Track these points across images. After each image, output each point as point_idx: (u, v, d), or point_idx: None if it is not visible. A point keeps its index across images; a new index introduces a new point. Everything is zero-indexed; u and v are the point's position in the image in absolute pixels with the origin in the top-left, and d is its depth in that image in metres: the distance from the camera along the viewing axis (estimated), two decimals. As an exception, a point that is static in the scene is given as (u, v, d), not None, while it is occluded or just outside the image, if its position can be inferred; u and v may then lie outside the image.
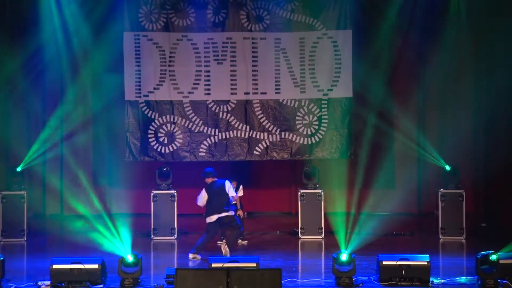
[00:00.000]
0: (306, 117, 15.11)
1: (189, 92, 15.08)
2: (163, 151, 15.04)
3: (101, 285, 10.25)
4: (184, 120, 15.06)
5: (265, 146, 15.11)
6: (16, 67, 15.25)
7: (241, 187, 14.01)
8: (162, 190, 14.27)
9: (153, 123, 15.06)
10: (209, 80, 15.07)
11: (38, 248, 13.62)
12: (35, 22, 15.27)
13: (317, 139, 15.13)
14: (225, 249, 12.37)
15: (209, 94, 15.09)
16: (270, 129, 15.10)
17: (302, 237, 14.23)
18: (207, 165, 14.55)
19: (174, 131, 15.08)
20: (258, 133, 15.12)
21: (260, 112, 15.11)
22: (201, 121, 15.07)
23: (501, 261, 10.30)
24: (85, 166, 16.21)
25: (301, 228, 14.30)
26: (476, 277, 10.46)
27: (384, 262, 10.48)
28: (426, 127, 16.02)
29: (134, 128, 15.05)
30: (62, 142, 15.49)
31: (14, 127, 15.47)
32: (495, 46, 15.24)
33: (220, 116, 15.10)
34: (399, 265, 10.42)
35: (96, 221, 14.28)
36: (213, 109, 15.09)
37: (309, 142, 15.13)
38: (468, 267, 11.56)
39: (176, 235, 14.15)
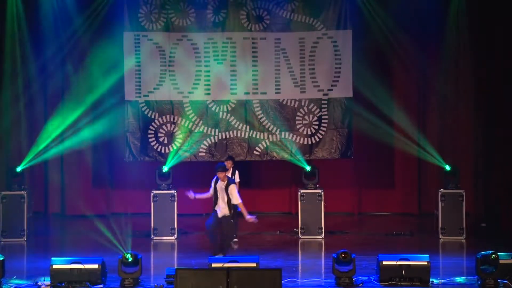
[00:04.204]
0: (306, 117, 15.11)
1: (189, 92, 15.08)
2: (163, 151, 15.04)
3: (101, 285, 10.25)
4: (184, 120, 15.06)
5: (265, 146, 15.12)
6: (17, 67, 15.27)
7: (237, 172, 13.96)
8: (162, 190, 14.25)
9: (153, 123, 15.07)
10: (209, 80, 15.07)
11: (38, 248, 13.61)
12: (36, 21, 15.29)
13: (317, 139, 15.13)
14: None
15: (209, 94, 15.10)
16: (270, 129, 15.10)
17: (302, 237, 14.22)
18: (207, 165, 14.58)
19: (174, 131, 15.08)
20: (258, 133, 15.12)
21: (260, 112, 15.11)
22: (201, 121, 15.07)
23: (501, 261, 10.30)
24: (85, 166, 16.25)
25: (301, 228, 14.29)
26: (476, 277, 10.46)
27: (384, 262, 10.47)
28: (426, 127, 16.03)
29: (134, 128, 15.06)
30: (63, 142, 15.47)
31: (14, 127, 15.48)
32: (495, 45, 15.25)
33: (220, 116, 15.10)
34: (399, 265, 10.42)
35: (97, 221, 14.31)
36: (213, 109, 15.10)
37: (309, 142, 15.13)
38: (468, 267, 11.56)
39: (176, 235, 14.14)
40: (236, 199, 12.16)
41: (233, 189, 12.18)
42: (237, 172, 13.91)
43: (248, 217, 12.17)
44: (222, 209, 12.16)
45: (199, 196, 12.34)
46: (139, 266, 10.42)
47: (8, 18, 15.16)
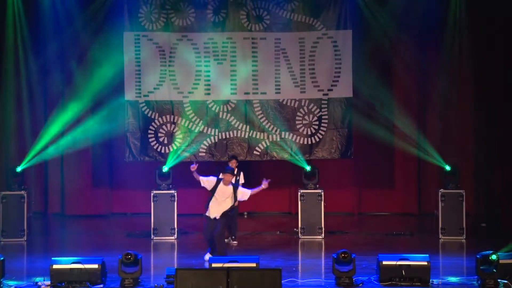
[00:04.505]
0: (306, 117, 15.11)
1: (189, 92, 15.08)
2: (163, 151, 15.04)
3: (101, 285, 10.25)
4: (184, 120, 15.06)
5: (265, 146, 15.12)
6: (17, 67, 15.27)
7: (241, 174, 13.98)
8: (162, 190, 14.24)
9: (153, 123, 15.07)
10: (209, 80, 15.07)
11: (38, 248, 13.62)
12: (36, 21, 15.29)
13: (317, 139, 15.14)
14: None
15: (209, 94, 15.10)
16: (270, 129, 15.11)
17: (302, 237, 14.22)
18: (207, 165, 14.56)
19: (174, 131, 15.08)
20: (258, 133, 15.12)
21: (260, 112, 15.11)
22: (201, 121, 15.07)
23: (501, 261, 10.29)
24: (85, 166, 16.25)
25: (301, 228, 14.28)
26: (476, 277, 10.45)
27: (384, 262, 10.47)
28: (426, 127, 16.02)
29: (134, 128, 15.06)
30: (63, 142, 15.46)
31: (14, 127, 15.49)
32: (495, 45, 15.24)
33: (220, 116, 15.10)
34: (399, 265, 10.42)
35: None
36: (213, 109, 15.10)
37: (309, 142, 15.13)
38: (468, 267, 11.55)
39: (176, 235, 14.14)
40: (247, 194, 12.11)
41: (240, 189, 12.18)
42: (241, 174, 13.93)
43: (262, 185, 11.94)
44: (216, 211, 12.05)
45: (197, 175, 12.06)
46: (139, 266, 10.41)
47: (9, 18, 15.16)
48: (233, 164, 13.72)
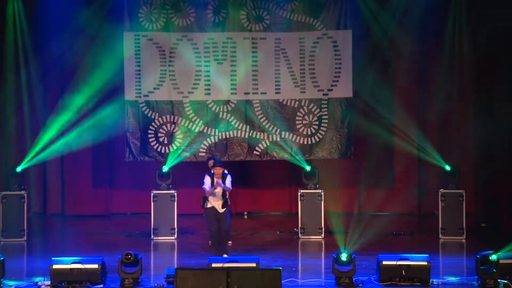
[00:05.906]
0: (306, 117, 15.11)
1: (189, 92, 15.08)
2: (163, 151, 15.04)
3: (101, 285, 10.26)
4: (184, 120, 15.07)
5: (265, 146, 15.12)
6: (16, 67, 15.27)
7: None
8: (162, 190, 14.26)
9: (153, 123, 15.07)
10: (209, 80, 15.07)
11: (38, 248, 13.62)
12: (36, 21, 15.29)
13: (317, 139, 15.14)
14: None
15: (209, 94, 15.10)
16: (270, 129, 15.10)
17: (302, 237, 14.22)
18: (207, 165, 14.55)
19: (174, 131, 15.08)
20: (258, 133, 15.12)
21: (260, 112, 15.11)
22: (201, 121, 15.07)
23: (501, 261, 10.30)
24: (85, 166, 16.24)
25: (301, 228, 14.29)
26: (476, 277, 10.46)
27: (384, 262, 10.48)
28: (426, 127, 16.01)
29: (134, 128, 15.06)
30: (63, 142, 15.46)
31: (14, 127, 15.48)
32: (496, 44, 15.24)
33: (220, 116, 15.10)
34: (399, 265, 10.42)
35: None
36: (213, 109, 15.10)
37: (309, 142, 15.13)
38: (468, 267, 11.56)
39: (176, 235, 14.15)
40: (229, 181, 12.32)
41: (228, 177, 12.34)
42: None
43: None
44: (219, 204, 12.20)
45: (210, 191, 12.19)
46: (139, 266, 10.42)
47: (9, 19, 15.17)
48: (210, 164, 13.65)
